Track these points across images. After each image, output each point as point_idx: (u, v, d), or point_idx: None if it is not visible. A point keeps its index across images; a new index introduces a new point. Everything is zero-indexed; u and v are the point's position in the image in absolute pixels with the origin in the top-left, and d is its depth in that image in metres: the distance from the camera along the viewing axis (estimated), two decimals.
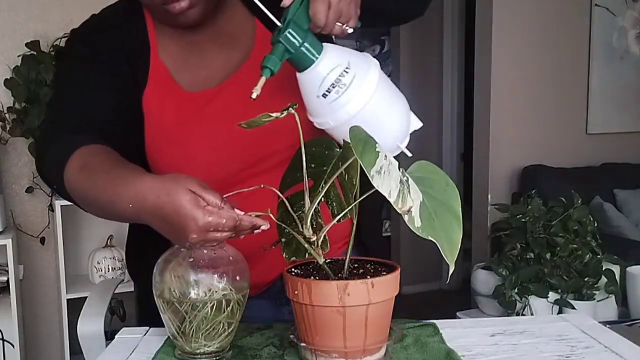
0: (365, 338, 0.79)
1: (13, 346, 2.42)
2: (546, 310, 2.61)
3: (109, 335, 1.27)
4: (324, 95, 0.83)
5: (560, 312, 2.61)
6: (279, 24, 0.83)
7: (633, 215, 3.38)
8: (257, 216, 0.83)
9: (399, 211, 0.69)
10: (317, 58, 0.83)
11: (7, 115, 2.58)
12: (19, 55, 2.54)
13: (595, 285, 2.66)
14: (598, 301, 2.66)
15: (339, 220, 0.82)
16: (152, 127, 1.02)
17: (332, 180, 0.81)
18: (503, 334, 0.98)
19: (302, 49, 0.82)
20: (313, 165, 0.85)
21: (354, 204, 0.82)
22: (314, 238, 0.81)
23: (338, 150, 0.86)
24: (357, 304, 0.77)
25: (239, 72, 1.04)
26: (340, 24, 0.87)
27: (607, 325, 1.05)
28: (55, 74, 1.09)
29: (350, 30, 0.89)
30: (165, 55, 1.04)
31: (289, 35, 0.81)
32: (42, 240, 2.73)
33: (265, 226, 0.83)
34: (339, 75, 0.83)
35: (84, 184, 0.91)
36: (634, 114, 3.79)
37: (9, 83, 2.52)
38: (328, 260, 0.85)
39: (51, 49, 2.55)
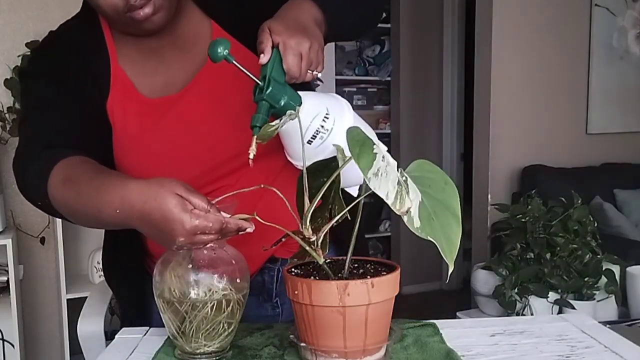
0: (365, 338, 0.79)
1: (13, 346, 2.41)
2: (546, 310, 2.60)
3: (109, 335, 1.28)
4: (309, 142, 0.87)
5: (560, 312, 2.61)
6: (259, 83, 0.86)
7: (633, 215, 3.38)
8: (243, 219, 0.84)
9: (397, 212, 0.69)
10: (299, 105, 0.87)
11: (7, 115, 2.58)
12: (19, 55, 2.54)
13: (595, 285, 2.65)
14: (598, 301, 2.66)
15: (338, 221, 0.82)
16: (118, 134, 1.03)
17: (332, 180, 0.81)
18: (503, 334, 0.98)
19: (285, 102, 0.86)
20: (315, 183, 0.85)
21: (353, 204, 0.82)
22: (314, 238, 0.81)
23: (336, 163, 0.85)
24: (357, 304, 0.77)
25: (199, 76, 1.04)
26: (310, 71, 0.91)
27: (607, 325, 1.05)
28: (21, 94, 1.10)
29: (319, 75, 0.93)
30: (125, 61, 1.05)
31: (272, 93, 0.85)
32: (42, 240, 2.73)
33: (250, 229, 0.84)
34: (322, 122, 0.87)
35: (69, 196, 0.91)
36: (634, 114, 3.79)
37: (9, 83, 2.52)
38: (328, 260, 0.85)
39: None
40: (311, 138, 0.87)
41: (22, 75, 1.10)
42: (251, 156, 0.82)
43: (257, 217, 0.84)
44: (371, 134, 0.91)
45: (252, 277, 1.09)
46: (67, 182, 0.92)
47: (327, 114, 0.88)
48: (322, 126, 0.87)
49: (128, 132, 1.03)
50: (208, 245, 0.85)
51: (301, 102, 0.88)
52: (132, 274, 1.13)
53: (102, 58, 1.04)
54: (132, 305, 1.14)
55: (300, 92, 0.89)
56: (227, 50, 0.85)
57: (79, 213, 0.92)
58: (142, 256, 1.13)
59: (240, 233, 0.85)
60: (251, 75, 0.87)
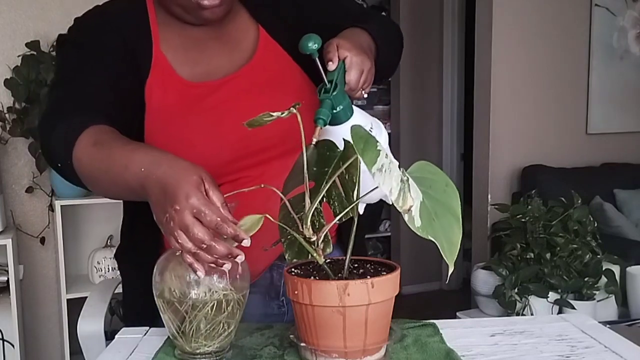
0: (365, 338, 0.79)
1: (13, 346, 2.42)
2: (546, 310, 2.60)
3: (109, 335, 1.27)
4: None
5: (560, 312, 2.61)
6: (327, 84, 0.95)
7: (633, 215, 3.38)
8: (254, 220, 0.83)
9: (399, 210, 0.69)
10: (350, 117, 0.96)
11: (7, 115, 2.58)
12: (19, 55, 2.54)
13: (595, 285, 2.66)
14: (598, 301, 2.66)
15: (340, 220, 0.82)
16: (153, 115, 1.05)
17: (332, 180, 0.81)
18: (503, 334, 0.98)
19: (342, 108, 0.94)
20: (315, 169, 0.85)
21: (355, 203, 0.82)
22: (314, 238, 0.81)
23: (340, 150, 0.86)
24: (357, 304, 0.77)
25: (241, 71, 1.09)
26: (362, 89, 1.01)
27: (607, 325, 1.05)
28: (57, 60, 1.15)
29: (365, 95, 1.03)
30: (167, 48, 1.08)
31: (337, 96, 0.93)
32: (42, 240, 2.73)
33: (240, 257, 0.82)
34: (369, 130, 0.93)
35: (97, 155, 0.93)
36: (634, 114, 3.79)
37: (9, 83, 2.52)
38: (328, 261, 0.85)
39: (51, 49, 2.55)
40: None
41: (61, 42, 1.13)
42: (314, 141, 0.87)
43: (268, 217, 0.83)
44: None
45: (261, 274, 1.10)
46: (98, 145, 0.94)
47: (371, 127, 0.99)
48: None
49: (166, 112, 1.05)
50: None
51: (353, 113, 0.96)
52: (147, 268, 1.13)
53: (145, 41, 1.07)
54: (140, 302, 1.13)
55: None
56: (316, 46, 0.94)
57: (101, 173, 0.93)
58: (159, 251, 1.12)
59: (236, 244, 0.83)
60: (324, 74, 0.95)
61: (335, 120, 0.95)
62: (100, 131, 0.96)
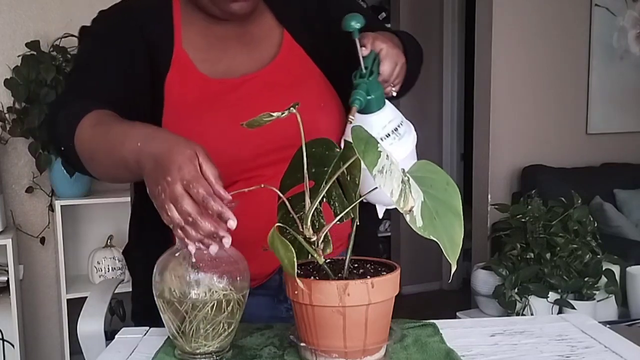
0: (365, 338, 0.79)
1: (13, 346, 2.42)
2: (546, 310, 2.60)
3: (109, 335, 1.27)
4: (382, 139, 0.97)
5: (560, 312, 2.61)
6: (363, 69, 0.97)
7: (633, 215, 3.38)
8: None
9: (401, 210, 0.69)
10: (382, 107, 0.98)
11: (7, 115, 2.58)
12: (19, 55, 2.54)
13: (595, 285, 2.66)
14: (598, 301, 2.66)
15: (341, 220, 0.82)
16: (172, 110, 1.06)
17: (332, 180, 0.81)
18: (503, 334, 0.98)
19: (375, 96, 0.96)
20: (314, 170, 0.85)
21: (355, 203, 0.82)
22: (314, 238, 0.81)
23: (338, 150, 0.86)
24: (357, 304, 0.77)
25: (262, 71, 1.10)
26: (392, 85, 1.03)
27: (607, 325, 1.05)
28: (78, 49, 1.18)
29: (395, 94, 1.05)
30: (189, 46, 1.10)
31: (372, 82, 0.96)
32: (42, 240, 2.73)
33: (226, 240, 0.81)
34: (397, 126, 0.99)
35: (97, 134, 0.95)
36: (634, 114, 3.79)
37: (9, 83, 2.52)
38: (328, 261, 0.85)
39: (51, 49, 2.55)
40: (385, 136, 0.97)
41: (83, 32, 1.16)
42: (350, 122, 0.89)
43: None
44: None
45: (270, 276, 1.10)
46: (98, 125, 0.96)
47: (402, 122, 1.01)
48: (397, 129, 0.98)
49: (185, 107, 1.06)
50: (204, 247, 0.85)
51: (385, 104, 0.98)
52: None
53: (166, 39, 1.08)
54: (148, 299, 1.12)
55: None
56: (359, 25, 0.96)
57: (100, 152, 0.95)
58: (167, 247, 1.12)
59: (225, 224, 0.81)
60: (361, 57, 0.97)
61: (367, 109, 0.97)
62: (102, 114, 0.99)
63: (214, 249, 0.82)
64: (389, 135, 0.97)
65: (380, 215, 1.07)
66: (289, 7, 1.17)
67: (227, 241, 0.81)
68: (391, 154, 0.74)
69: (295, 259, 0.76)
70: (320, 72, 1.13)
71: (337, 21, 1.04)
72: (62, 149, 1.01)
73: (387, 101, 1.00)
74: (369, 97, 0.95)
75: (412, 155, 1.02)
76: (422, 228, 0.70)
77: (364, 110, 0.97)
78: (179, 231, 0.81)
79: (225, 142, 1.04)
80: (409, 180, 0.71)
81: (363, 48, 0.98)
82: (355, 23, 0.96)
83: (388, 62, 1.00)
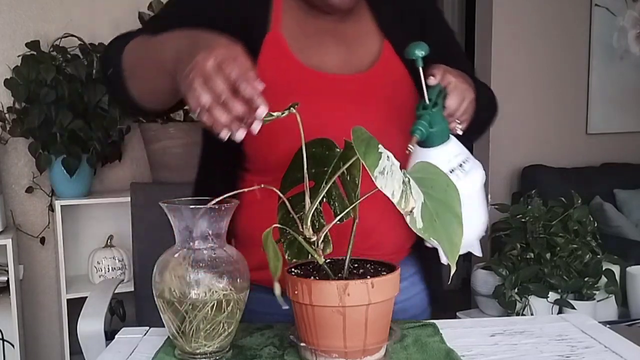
0: (365, 338, 0.79)
1: (13, 346, 2.42)
2: (546, 310, 2.61)
3: (109, 335, 1.28)
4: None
5: (560, 312, 2.61)
6: (427, 100, 0.94)
7: (633, 215, 3.38)
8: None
9: (402, 211, 0.69)
10: (446, 141, 0.95)
11: (7, 115, 2.58)
12: (19, 55, 2.53)
13: (595, 285, 2.66)
14: (598, 301, 2.66)
15: (340, 220, 0.82)
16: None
17: (332, 180, 0.81)
18: (503, 334, 0.98)
19: (438, 129, 0.94)
20: (314, 170, 0.85)
21: (356, 203, 0.83)
22: (314, 238, 0.81)
23: (339, 150, 0.86)
24: (357, 304, 0.77)
25: (355, 76, 1.07)
26: (457, 122, 0.99)
27: (607, 325, 1.05)
28: (160, 10, 1.18)
29: (460, 132, 1.00)
30: (287, 31, 1.08)
31: (436, 114, 0.94)
32: (42, 240, 2.73)
33: (263, 108, 0.77)
34: (462, 162, 0.96)
35: (142, 43, 0.97)
36: (634, 114, 3.79)
37: (9, 83, 2.51)
38: (328, 261, 0.85)
39: (51, 49, 2.54)
40: (448, 171, 0.94)
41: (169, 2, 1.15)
42: (409, 151, 0.89)
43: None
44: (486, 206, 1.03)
45: None
46: (143, 40, 0.98)
47: (467, 158, 0.98)
48: (463, 165, 0.96)
49: (273, 89, 0.98)
50: (208, 245, 0.85)
51: (449, 138, 0.96)
52: None
53: (262, 20, 1.07)
54: None
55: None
56: (422, 53, 0.94)
57: (142, 58, 0.96)
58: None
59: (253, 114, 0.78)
60: (425, 88, 0.95)
61: (429, 141, 0.94)
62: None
63: (240, 134, 0.77)
64: (453, 170, 0.95)
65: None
66: (392, 17, 1.14)
67: (256, 127, 0.78)
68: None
69: (280, 268, 0.76)
70: (414, 88, 1.07)
71: (431, 39, 1.02)
72: (111, 71, 1.01)
73: (452, 136, 0.97)
74: (431, 130, 0.93)
75: (479, 195, 1.00)
76: (422, 229, 0.70)
77: (425, 143, 0.94)
78: (206, 116, 0.77)
79: (297, 135, 1.00)
80: (409, 181, 0.71)
81: (431, 78, 0.96)
82: (419, 51, 0.94)
83: (455, 96, 0.97)
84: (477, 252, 1.05)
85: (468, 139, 1.04)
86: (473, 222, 1.00)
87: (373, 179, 0.69)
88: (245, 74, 0.77)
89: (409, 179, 0.71)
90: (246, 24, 1.06)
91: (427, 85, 0.95)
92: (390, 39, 1.11)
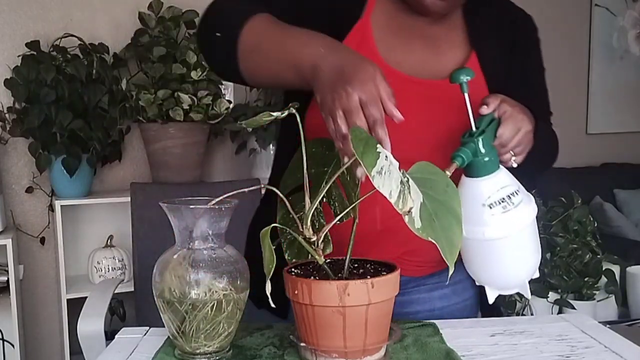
0: (365, 338, 0.79)
1: (13, 346, 2.42)
2: (546, 310, 2.61)
3: (109, 335, 1.28)
4: (490, 206, 0.92)
5: (560, 312, 2.61)
6: (474, 127, 0.91)
7: (633, 215, 3.38)
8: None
9: (399, 211, 0.69)
10: (493, 172, 0.92)
11: (7, 115, 2.58)
12: (19, 55, 2.53)
13: (595, 285, 2.66)
14: (598, 301, 2.66)
15: (340, 220, 0.82)
16: None
17: (332, 180, 0.81)
18: (503, 334, 0.98)
19: (487, 158, 0.91)
20: (313, 170, 0.85)
21: (356, 203, 0.83)
22: (314, 238, 0.81)
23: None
24: (357, 304, 0.77)
25: (434, 83, 1.04)
26: (511, 154, 0.95)
27: (607, 325, 1.05)
28: None
29: (515, 165, 0.96)
30: (376, 22, 1.05)
31: (482, 141, 0.90)
32: (42, 240, 2.73)
33: (387, 146, 0.79)
34: (510, 194, 0.92)
35: (276, 28, 0.93)
36: (634, 114, 3.79)
37: (9, 83, 2.51)
38: (328, 261, 0.85)
39: (51, 49, 2.55)
40: (495, 203, 0.91)
41: None
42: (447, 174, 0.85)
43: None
44: (539, 244, 1.00)
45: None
46: (276, 23, 0.94)
47: (517, 190, 0.93)
48: (510, 198, 0.92)
49: None
50: (208, 245, 0.85)
51: (498, 168, 0.93)
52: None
53: (356, 6, 1.05)
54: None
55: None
56: (467, 79, 0.91)
57: (272, 44, 0.92)
58: None
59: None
60: (471, 115, 0.91)
61: (475, 171, 0.92)
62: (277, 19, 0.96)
63: (360, 172, 0.78)
64: (500, 202, 0.92)
65: (491, 300, 1.01)
66: (485, 29, 1.10)
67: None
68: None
69: (273, 268, 0.76)
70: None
71: (517, 63, 1.01)
72: (219, 33, 0.97)
73: (502, 168, 0.94)
74: (476, 158, 0.90)
75: (529, 231, 0.96)
76: (420, 229, 0.70)
77: (470, 172, 0.92)
78: (340, 143, 0.80)
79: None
80: (408, 181, 0.71)
81: (484, 106, 0.93)
82: (464, 77, 0.91)
83: (510, 126, 0.92)
84: (527, 294, 1.01)
85: (527, 175, 1.00)
86: (523, 260, 0.98)
87: (370, 178, 0.69)
88: (382, 117, 0.80)
89: (407, 178, 0.71)
90: (342, 7, 1.04)
91: (475, 113, 0.92)
92: (478, 51, 1.07)
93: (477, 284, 1.04)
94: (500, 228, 0.92)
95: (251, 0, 0.99)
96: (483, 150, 0.90)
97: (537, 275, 1.02)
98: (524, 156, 0.98)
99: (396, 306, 1.10)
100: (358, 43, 1.03)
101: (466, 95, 0.91)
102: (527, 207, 0.94)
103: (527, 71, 1.14)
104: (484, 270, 1.00)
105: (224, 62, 0.99)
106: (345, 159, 0.80)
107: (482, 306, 1.18)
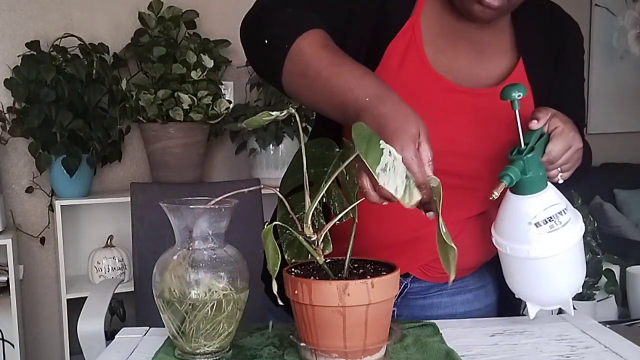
0: (365, 338, 0.79)
1: (13, 346, 2.41)
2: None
3: (109, 335, 1.28)
4: (537, 225, 0.90)
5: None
6: (522, 144, 0.89)
7: (633, 215, 3.38)
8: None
9: (406, 206, 0.69)
10: (541, 189, 0.90)
11: (7, 115, 2.58)
12: (19, 55, 2.53)
13: (595, 285, 2.66)
14: (598, 301, 2.66)
15: (340, 220, 0.82)
16: (385, 77, 0.93)
17: (332, 180, 0.81)
18: (503, 334, 0.98)
19: (533, 176, 0.89)
20: (313, 170, 0.85)
21: (356, 204, 0.83)
22: (314, 238, 0.81)
23: (338, 150, 0.86)
24: (357, 304, 0.77)
25: (478, 91, 1.02)
26: (559, 170, 0.94)
27: (607, 325, 1.05)
28: None
29: (561, 181, 0.95)
30: (425, 23, 1.02)
31: (530, 160, 0.88)
32: (42, 240, 2.73)
33: (430, 214, 0.77)
34: (558, 213, 0.91)
35: (325, 57, 0.87)
36: (634, 114, 3.80)
37: (9, 83, 2.51)
38: (328, 261, 0.85)
39: (51, 49, 2.55)
40: (542, 222, 0.90)
41: None
42: (493, 197, 0.85)
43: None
44: (584, 262, 0.99)
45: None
46: (328, 48, 0.88)
47: (565, 209, 0.92)
48: (558, 216, 0.91)
49: (392, 80, 0.93)
50: (208, 245, 0.85)
51: (546, 186, 0.91)
52: None
53: (405, 6, 1.02)
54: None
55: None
56: (519, 95, 0.89)
57: (318, 76, 0.86)
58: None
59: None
60: (520, 132, 0.89)
61: (523, 189, 0.90)
62: (331, 40, 0.90)
63: (430, 214, 0.76)
64: (547, 221, 0.90)
65: (532, 316, 1.01)
66: (533, 37, 1.07)
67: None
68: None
69: (279, 264, 0.76)
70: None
71: (562, 79, 0.98)
72: (265, 40, 0.91)
73: (550, 185, 0.92)
74: (524, 177, 0.88)
75: (576, 249, 0.95)
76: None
77: (518, 190, 0.91)
78: (370, 196, 0.77)
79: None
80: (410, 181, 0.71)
81: (534, 121, 0.90)
82: (515, 93, 0.88)
83: (560, 143, 0.90)
84: (570, 310, 1.01)
85: (564, 185, 0.98)
86: (567, 279, 0.97)
87: (375, 176, 0.69)
88: (421, 182, 0.76)
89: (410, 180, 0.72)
90: (393, 6, 1.01)
91: (524, 127, 0.90)
92: (525, 58, 1.05)
93: (516, 296, 1.03)
94: (546, 247, 0.91)
95: (303, 3, 0.95)
96: (534, 167, 0.89)
97: (580, 290, 1.01)
98: (572, 172, 0.96)
99: (417, 310, 1.11)
100: (407, 43, 1.00)
101: (517, 112, 0.89)
102: (574, 226, 0.92)
103: (570, 81, 1.12)
104: (526, 287, 0.99)
105: (267, 70, 0.94)
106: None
107: (502, 312, 1.17)
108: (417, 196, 0.70)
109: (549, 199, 0.91)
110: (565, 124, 0.92)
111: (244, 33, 0.97)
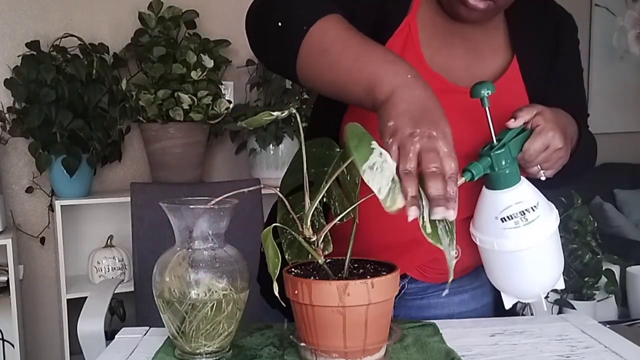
0: (365, 338, 0.79)
1: (13, 346, 2.42)
2: (546, 310, 2.60)
3: (109, 335, 1.28)
4: (502, 220, 0.92)
5: (560, 312, 2.61)
6: (494, 141, 0.91)
7: (633, 215, 3.38)
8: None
9: (387, 210, 0.69)
10: (511, 186, 0.91)
11: (7, 115, 2.58)
12: (19, 55, 2.54)
13: (595, 285, 2.66)
14: (598, 301, 2.67)
15: (341, 220, 0.82)
16: None
17: (332, 179, 0.81)
18: (503, 334, 0.98)
19: (504, 172, 0.90)
20: (313, 170, 0.85)
21: (356, 204, 0.83)
22: (314, 238, 0.81)
23: (338, 150, 0.86)
24: (357, 304, 0.77)
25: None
26: (539, 167, 0.93)
27: (607, 325, 1.05)
28: None
29: (544, 178, 0.94)
30: (420, 22, 1.03)
31: (498, 157, 0.89)
32: (42, 240, 2.73)
33: (452, 212, 0.72)
34: (525, 209, 0.91)
35: (353, 37, 0.84)
36: (634, 114, 3.80)
37: (9, 83, 2.52)
38: (328, 261, 0.85)
39: (51, 49, 2.55)
40: (507, 217, 0.92)
41: None
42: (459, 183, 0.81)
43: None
44: (561, 258, 1.01)
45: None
46: (352, 30, 0.85)
47: (534, 206, 0.92)
48: (523, 213, 0.91)
49: None
50: (208, 245, 0.85)
51: (518, 182, 0.91)
52: None
53: (402, 6, 1.02)
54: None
55: (523, 177, 0.93)
56: (488, 93, 0.89)
57: (344, 54, 0.83)
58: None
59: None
60: (492, 130, 0.90)
61: (492, 184, 0.91)
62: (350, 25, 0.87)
63: (413, 213, 0.71)
64: (513, 217, 0.91)
65: (508, 307, 1.01)
66: (527, 33, 1.07)
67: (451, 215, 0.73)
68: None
69: (279, 267, 0.76)
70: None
71: (560, 72, 0.98)
72: (280, 24, 0.87)
73: (524, 180, 0.92)
74: (494, 171, 0.89)
75: (549, 244, 0.95)
76: (430, 235, 0.73)
77: (489, 184, 0.92)
78: (403, 176, 0.73)
79: None
80: (400, 181, 0.71)
81: (512, 120, 0.90)
82: (484, 91, 0.89)
83: (538, 141, 0.90)
84: (542, 306, 1.02)
85: (563, 179, 0.98)
86: (538, 273, 0.97)
87: (361, 172, 0.69)
88: (455, 174, 0.73)
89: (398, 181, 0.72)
90: (391, 5, 1.01)
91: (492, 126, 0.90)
92: (519, 56, 1.05)
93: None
94: (512, 242, 0.93)
95: None
96: (503, 163, 0.90)
97: (561, 286, 1.01)
98: (556, 170, 0.96)
99: (415, 310, 1.11)
100: (404, 42, 1.00)
101: (487, 109, 0.90)
102: (543, 224, 0.92)
103: (568, 73, 1.12)
104: (499, 279, 1.01)
105: (278, 55, 0.91)
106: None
107: (498, 312, 1.17)
108: (400, 203, 0.69)
109: (519, 195, 0.92)
110: (547, 122, 0.91)
111: (252, 18, 0.95)
